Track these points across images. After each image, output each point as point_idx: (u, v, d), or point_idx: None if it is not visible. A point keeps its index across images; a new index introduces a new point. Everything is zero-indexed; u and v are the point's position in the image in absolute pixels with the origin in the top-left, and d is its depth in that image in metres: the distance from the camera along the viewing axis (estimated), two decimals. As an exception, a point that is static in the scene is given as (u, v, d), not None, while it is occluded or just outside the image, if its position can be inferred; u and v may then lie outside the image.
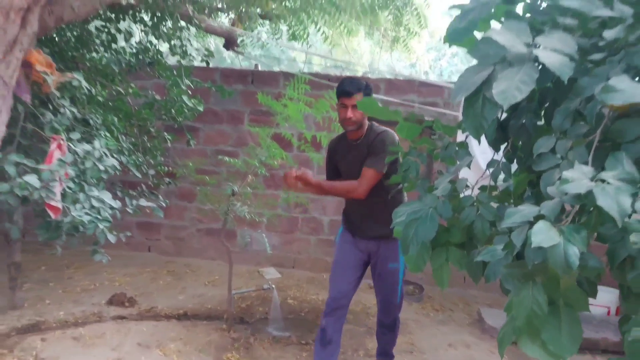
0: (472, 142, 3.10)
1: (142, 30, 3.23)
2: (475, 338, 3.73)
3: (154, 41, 3.20)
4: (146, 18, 3.10)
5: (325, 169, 2.93)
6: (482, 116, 1.15)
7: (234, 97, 5.02)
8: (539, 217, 0.94)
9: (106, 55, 3.36)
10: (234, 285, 3.70)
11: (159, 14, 2.96)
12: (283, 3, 3.88)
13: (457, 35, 1.33)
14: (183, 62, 3.57)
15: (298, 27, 4.39)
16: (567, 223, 0.95)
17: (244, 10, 3.72)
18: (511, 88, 1.01)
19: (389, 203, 2.49)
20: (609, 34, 1.06)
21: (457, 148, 1.59)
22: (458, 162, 1.57)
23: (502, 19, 1.34)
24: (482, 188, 1.50)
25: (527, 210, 0.97)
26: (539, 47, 1.06)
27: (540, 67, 1.07)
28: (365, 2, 4.45)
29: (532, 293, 1.03)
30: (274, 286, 3.80)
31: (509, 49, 1.06)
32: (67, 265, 4.75)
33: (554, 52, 1.03)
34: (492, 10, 1.29)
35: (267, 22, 4.48)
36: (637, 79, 1.03)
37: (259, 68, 5.12)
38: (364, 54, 7.58)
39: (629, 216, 0.87)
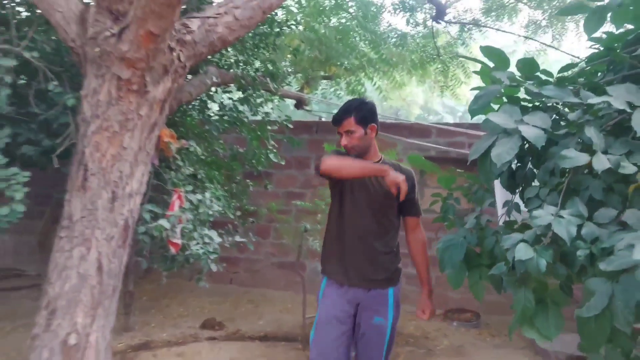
0: (497, 186, 3.54)
1: (230, 99, 3.99)
2: (528, 359, 4.04)
3: (240, 107, 3.93)
4: (236, 93, 3.88)
5: (335, 154, 2.44)
6: (490, 170, 1.69)
7: (302, 144, 5.71)
8: (522, 241, 1.44)
9: (196, 116, 4.14)
10: (306, 312, 4.25)
11: (249, 89, 3.70)
12: (342, 66, 4.55)
13: (475, 111, 1.88)
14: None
15: (356, 84, 5.05)
16: (543, 244, 1.45)
17: (310, 75, 4.43)
18: (503, 152, 1.54)
19: (395, 246, 2.40)
20: (572, 116, 1.57)
21: (482, 192, 2.11)
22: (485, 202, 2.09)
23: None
24: (506, 223, 2.00)
25: (515, 236, 1.48)
26: (524, 123, 1.59)
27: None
28: (415, 58, 5.04)
29: (524, 294, 1.52)
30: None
31: (503, 126, 1.59)
32: (163, 296, 5.49)
33: (534, 127, 1.55)
34: (501, 91, 1.84)
35: (329, 81, 5.17)
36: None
37: (322, 119, 5.80)
38: (418, 98, 8.14)
39: (577, 240, 1.36)
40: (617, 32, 1.74)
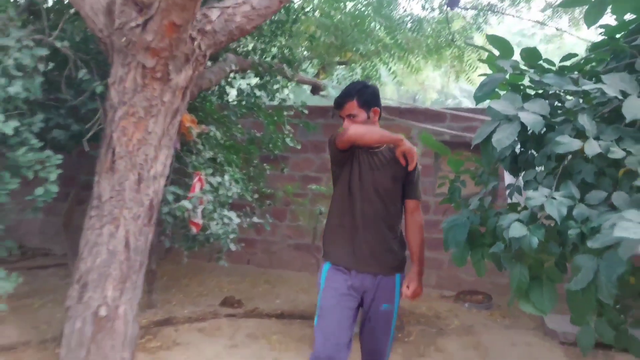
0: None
1: (248, 85, 4.12)
2: (537, 339, 4.14)
3: (257, 93, 4.06)
4: (254, 79, 4.01)
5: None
6: (491, 154, 1.80)
7: (318, 128, 5.83)
8: (517, 220, 1.55)
9: (215, 101, 4.28)
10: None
11: (266, 76, 3.83)
12: (358, 52, 4.63)
13: (480, 98, 1.97)
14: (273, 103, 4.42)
15: (371, 69, 5.13)
16: (537, 224, 1.56)
17: (326, 61, 4.53)
18: (503, 137, 1.64)
19: (400, 232, 2.38)
20: (568, 103, 1.66)
21: (487, 175, 2.21)
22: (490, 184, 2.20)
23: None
24: (510, 205, 2.10)
25: (511, 216, 1.59)
26: (524, 110, 1.68)
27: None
28: (430, 43, 5.09)
29: (520, 270, 1.64)
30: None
31: (504, 112, 1.69)
32: (183, 276, 5.71)
33: (533, 114, 1.65)
34: (506, 78, 1.93)
35: (344, 67, 5.25)
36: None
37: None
38: (435, 82, 8.16)
39: (569, 220, 1.47)
40: (617, 23, 1.81)
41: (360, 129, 2.19)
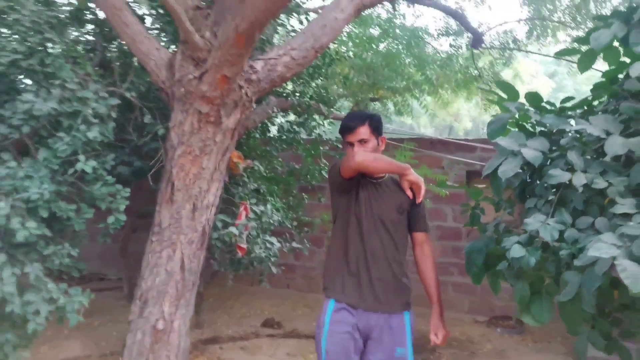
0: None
1: (288, 122, 4.52)
2: (568, 363, 4.24)
3: (297, 129, 4.45)
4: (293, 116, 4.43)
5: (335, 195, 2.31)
6: (499, 184, 2.06)
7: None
8: (517, 243, 1.81)
9: (258, 136, 4.69)
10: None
11: (305, 115, 4.23)
12: (389, 89, 4.97)
13: (491, 135, 2.25)
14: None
15: (403, 104, 5.45)
16: (535, 246, 1.81)
17: (359, 98, 4.89)
18: (507, 170, 1.92)
19: (406, 266, 2.26)
20: (563, 141, 1.93)
21: (503, 202, 2.47)
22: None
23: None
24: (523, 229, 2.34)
25: (512, 239, 1.85)
26: (526, 147, 1.96)
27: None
28: (460, 79, 5.38)
29: (522, 286, 1.88)
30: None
31: (508, 148, 1.97)
32: (228, 298, 6.07)
33: (534, 150, 1.92)
34: (515, 116, 2.20)
35: (377, 103, 5.59)
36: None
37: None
38: (471, 111, 8.39)
39: (560, 241, 1.72)
40: (609, 68, 2.07)
41: (368, 155, 2.11)
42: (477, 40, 4.01)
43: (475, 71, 5.19)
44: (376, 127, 2.23)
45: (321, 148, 4.57)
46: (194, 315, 4.92)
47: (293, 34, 4.11)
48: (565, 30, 5.09)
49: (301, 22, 4.11)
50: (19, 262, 2.64)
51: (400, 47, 5.14)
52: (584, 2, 4.36)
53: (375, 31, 5.16)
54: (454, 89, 5.40)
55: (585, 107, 2.17)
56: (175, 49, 3.07)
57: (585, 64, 2.04)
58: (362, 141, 2.18)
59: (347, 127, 2.21)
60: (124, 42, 3.27)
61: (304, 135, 4.62)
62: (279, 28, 4.07)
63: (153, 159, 3.31)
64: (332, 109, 4.36)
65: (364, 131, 2.18)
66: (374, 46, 5.00)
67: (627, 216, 1.55)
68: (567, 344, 4.76)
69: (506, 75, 6.31)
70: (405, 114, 5.61)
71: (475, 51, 4.65)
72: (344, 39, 4.96)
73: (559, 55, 2.19)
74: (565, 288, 1.65)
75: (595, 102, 2.25)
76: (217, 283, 6.19)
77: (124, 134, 3.49)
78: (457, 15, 3.93)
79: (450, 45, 5.03)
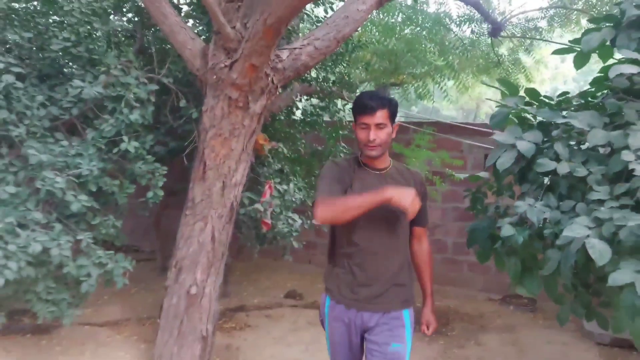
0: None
1: (311, 105, 4.77)
2: (575, 339, 4.44)
3: (320, 112, 4.70)
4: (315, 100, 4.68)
5: (328, 188, 2.03)
6: (499, 172, 2.29)
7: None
8: (508, 223, 2.05)
9: (283, 119, 4.95)
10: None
11: (326, 100, 4.47)
12: (410, 74, 5.14)
13: (495, 125, 2.47)
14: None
15: (423, 89, 5.62)
16: (525, 226, 2.04)
17: (381, 82, 5.08)
18: (505, 161, 2.14)
19: (408, 260, 2.22)
20: (554, 132, 2.13)
21: (505, 187, 2.68)
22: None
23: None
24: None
25: (506, 220, 2.08)
26: (522, 139, 2.17)
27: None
28: (480, 64, 5.52)
29: (514, 262, 2.12)
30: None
31: (505, 142, 2.19)
32: (252, 272, 6.44)
33: (528, 142, 2.14)
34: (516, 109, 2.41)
35: (397, 87, 5.77)
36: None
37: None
38: (494, 95, 8.46)
39: (544, 223, 1.95)
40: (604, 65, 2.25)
41: (335, 208, 1.92)
42: (496, 29, 4.14)
43: (496, 58, 5.31)
44: (394, 113, 2.08)
45: (340, 132, 4.80)
46: (222, 285, 5.29)
47: (318, 23, 4.32)
48: (588, 17, 5.15)
49: (326, 12, 4.31)
50: (71, 231, 3.00)
51: (423, 32, 5.29)
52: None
53: (398, 18, 5.32)
54: (475, 74, 5.53)
55: (582, 101, 2.37)
56: (206, 37, 3.34)
57: (580, 62, 2.23)
58: (380, 125, 2.02)
59: (366, 106, 2.01)
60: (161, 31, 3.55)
61: (326, 118, 4.86)
62: (304, 17, 4.28)
63: (187, 140, 3.62)
64: (353, 94, 4.57)
65: (383, 115, 2.02)
66: (396, 33, 5.16)
67: (601, 202, 1.76)
68: (576, 320, 4.94)
69: (529, 61, 6.39)
70: (426, 99, 5.78)
71: (495, 39, 4.77)
72: (368, 26, 5.14)
73: (557, 53, 2.36)
74: (548, 264, 1.89)
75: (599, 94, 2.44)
76: (243, 258, 6.56)
77: (161, 117, 3.81)
78: (476, 5, 4.07)
79: (472, 32, 5.15)
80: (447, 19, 5.20)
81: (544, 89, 10.92)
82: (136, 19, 3.97)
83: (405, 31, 5.39)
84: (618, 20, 2.05)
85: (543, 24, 5.26)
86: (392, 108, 2.07)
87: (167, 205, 5.92)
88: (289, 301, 5.23)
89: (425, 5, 5.28)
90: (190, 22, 4.12)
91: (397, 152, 4.92)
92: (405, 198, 1.85)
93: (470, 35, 5.35)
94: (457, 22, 5.27)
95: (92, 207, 3.06)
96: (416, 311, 2.20)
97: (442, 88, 5.69)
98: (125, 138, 3.09)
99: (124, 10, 3.92)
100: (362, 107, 2.04)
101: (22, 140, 3.06)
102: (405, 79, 5.19)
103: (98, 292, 4.85)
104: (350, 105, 5.47)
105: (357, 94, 2.22)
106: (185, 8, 4.13)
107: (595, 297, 2.05)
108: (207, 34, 3.90)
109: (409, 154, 4.82)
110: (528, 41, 5.37)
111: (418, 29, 5.27)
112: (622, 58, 2.02)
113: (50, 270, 2.92)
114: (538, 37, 5.17)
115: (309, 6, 4.36)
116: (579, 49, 2.20)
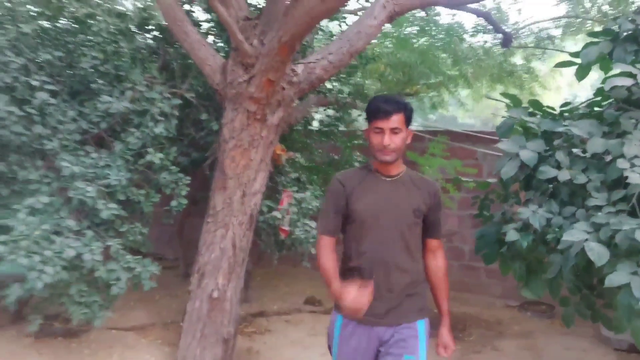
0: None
1: (328, 116, 4.92)
2: (593, 345, 4.45)
3: (335, 123, 4.84)
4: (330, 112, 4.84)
5: (324, 215, 2.12)
6: (504, 180, 2.39)
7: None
8: (513, 229, 2.15)
9: (301, 128, 5.10)
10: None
11: (341, 110, 4.62)
12: (425, 84, 5.25)
13: (502, 135, 2.57)
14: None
15: (437, 99, 5.72)
16: (529, 231, 2.14)
17: (395, 92, 5.20)
18: (508, 170, 2.25)
19: (423, 272, 2.14)
20: (556, 142, 2.23)
21: (507, 194, 2.78)
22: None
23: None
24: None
25: (511, 225, 2.18)
26: (525, 148, 2.27)
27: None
28: (494, 74, 5.59)
29: (519, 266, 2.22)
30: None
31: (508, 151, 2.30)
32: (272, 279, 6.59)
33: (531, 151, 2.24)
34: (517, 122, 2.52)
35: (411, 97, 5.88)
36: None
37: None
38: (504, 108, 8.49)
39: (548, 227, 2.04)
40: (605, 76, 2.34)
41: (319, 257, 2.05)
42: (507, 40, 4.23)
43: (509, 67, 5.39)
44: (409, 118, 2.02)
45: (355, 142, 4.93)
46: (243, 291, 5.44)
47: (332, 38, 4.48)
48: (602, 25, 5.20)
49: (340, 26, 4.47)
50: (101, 237, 3.19)
51: (436, 44, 5.40)
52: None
53: (411, 29, 5.44)
54: (489, 83, 5.61)
55: (585, 111, 2.45)
56: (225, 53, 3.52)
57: (581, 74, 2.33)
58: (394, 130, 1.95)
59: (381, 110, 1.94)
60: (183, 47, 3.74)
61: (342, 128, 5.00)
62: (319, 32, 4.45)
63: (208, 151, 3.79)
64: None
65: (398, 119, 1.96)
66: (410, 44, 5.29)
67: (599, 208, 1.86)
68: (595, 327, 4.95)
69: (544, 68, 6.43)
70: (440, 108, 5.88)
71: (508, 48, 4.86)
72: (381, 38, 5.27)
73: (559, 66, 2.46)
74: (551, 267, 1.98)
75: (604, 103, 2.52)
76: (263, 265, 6.71)
77: (184, 129, 4.00)
78: (487, 16, 4.16)
79: (485, 42, 5.25)
80: (459, 30, 5.30)
81: (562, 97, 10.87)
82: (160, 36, 4.18)
83: (419, 43, 5.50)
84: (616, 34, 2.15)
85: (556, 32, 5.33)
86: (407, 112, 2.00)
87: (190, 214, 6.12)
88: (307, 307, 5.35)
89: (438, 17, 5.39)
90: (210, 38, 4.31)
91: (411, 160, 5.02)
92: (345, 296, 1.81)
93: (484, 45, 5.43)
94: (470, 33, 5.36)
95: (121, 215, 3.24)
96: (434, 317, 2.14)
97: (456, 98, 5.78)
98: (150, 150, 3.27)
99: (148, 28, 4.13)
100: (377, 110, 1.97)
101: (56, 153, 3.27)
102: (419, 89, 5.31)
103: (125, 298, 5.04)
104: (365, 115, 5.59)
105: (371, 98, 2.16)
106: (205, 25, 4.33)
107: (600, 299, 2.13)
108: (227, 50, 4.09)
109: (423, 162, 4.91)
110: (540, 51, 5.43)
111: (431, 40, 5.38)
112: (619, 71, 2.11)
113: (82, 274, 3.10)
114: (551, 46, 5.23)
115: (323, 21, 4.52)
116: (579, 62, 2.30)
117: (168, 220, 3.63)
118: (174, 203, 3.42)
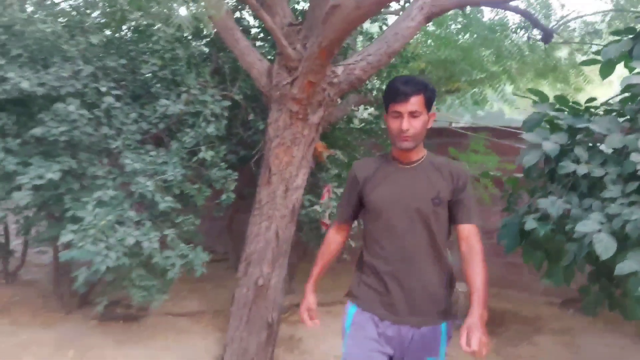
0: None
1: (369, 114, 5.11)
2: (633, 343, 4.42)
3: (376, 121, 5.03)
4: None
5: (341, 202, 2.15)
6: (529, 169, 2.50)
7: (432, 148, 6.57)
8: (532, 219, 2.28)
9: (341, 127, 5.31)
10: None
11: (380, 109, 4.79)
12: (466, 81, 5.33)
13: (528, 129, 2.68)
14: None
15: (480, 96, 5.78)
16: (548, 221, 2.26)
17: (437, 90, 5.31)
18: (530, 159, 2.37)
19: (450, 268, 1.99)
20: (578, 136, 2.33)
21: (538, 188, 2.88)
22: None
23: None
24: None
25: (531, 216, 2.31)
26: (548, 140, 2.39)
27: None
28: (537, 69, 5.59)
29: (539, 255, 2.34)
30: (459, 289, 5.13)
31: (532, 141, 2.41)
32: (317, 271, 6.83)
33: (554, 143, 2.35)
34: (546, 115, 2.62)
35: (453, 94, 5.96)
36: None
37: (451, 125, 6.61)
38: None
39: (565, 218, 2.16)
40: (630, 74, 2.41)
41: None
42: (547, 36, 4.26)
43: (553, 62, 5.38)
44: (430, 100, 1.86)
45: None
46: (287, 282, 5.72)
47: (372, 40, 4.65)
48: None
49: (380, 28, 4.64)
50: (159, 227, 3.53)
51: (477, 40, 5.46)
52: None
53: (454, 26, 5.53)
54: (534, 78, 5.62)
55: (608, 107, 2.53)
56: (271, 57, 3.78)
57: (604, 72, 2.41)
58: (414, 114, 1.81)
59: (399, 92, 1.80)
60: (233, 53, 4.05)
61: (383, 126, 5.17)
62: (360, 34, 4.65)
63: (254, 149, 4.08)
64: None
65: (419, 101, 1.80)
66: (452, 42, 5.38)
67: (613, 200, 1.97)
68: (638, 325, 4.89)
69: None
70: (484, 104, 5.92)
71: (550, 43, 4.86)
72: (422, 37, 5.40)
73: (584, 64, 2.54)
74: (566, 256, 2.11)
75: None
76: (307, 260, 6.95)
77: (233, 129, 4.31)
78: (526, 13, 4.22)
79: (528, 38, 5.25)
80: (502, 26, 5.33)
81: (612, 90, 10.51)
82: (212, 43, 4.51)
83: (461, 40, 5.58)
84: (638, 33, 2.23)
85: (602, 27, 5.25)
86: (427, 94, 1.84)
87: (238, 209, 6.46)
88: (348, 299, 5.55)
89: (480, 15, 5.44)
90: (259, 43, 4.60)
91: (453, 156, 5.12)
92: (303, 307, 1.99)
93: (528, 40, 5.44)
94: (513, 29, 5.38)
95: (176, 207, 3.57)
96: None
97: (499, 93, 5.82)
98: (202, 148, 3.59)
99: (202, 36, 4.47)
100: (395, 93, 1.82)
101: (120, 151, 3.65)
102: (460, 86, 5.38)
103: (179, 287, 5.45)
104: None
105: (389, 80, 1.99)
106: (253, 31, 4.62)
107: (619, 288, 2.22)
108: (273, 53, 4.36)
109: (464, 159, 5.01)
110: (585, 46, 5.37)
111: (474, 36, 5.45)
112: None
113: (141, 261, 3.45)
114: (597, 40, 5.17)
115: (366, 24, 4.72)
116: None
117: (218, 213, 3.94)
118: (223, 197, 3.73)
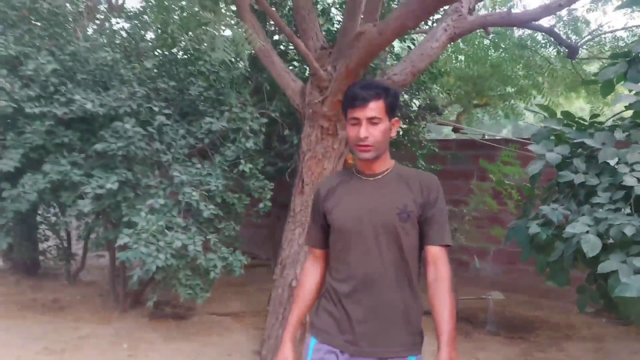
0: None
1: (400, 128, 5.38)
2: (664, 353, 4.45)
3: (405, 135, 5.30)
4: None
5: (309, 226, 1.92)
6: (534, 177, 2.72)
7: (465, 160, 6.76)
8: (536, 224, 2.50)
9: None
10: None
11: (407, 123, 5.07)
12: (495, 95, 5.51)
13: (537, 141, 2.90)
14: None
15: (509, 109, 5.93)
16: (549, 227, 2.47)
17: (465, 105, 5.52)
18: (535, 168, 2.60)
19: (419, 293, 1.72)
20: (579, 150, 2.54)
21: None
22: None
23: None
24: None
25: (535, 221, 2.53)
26: (552, 152, 2.61)
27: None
28: (567, 83, 5.71)
29: (543, 256, 2.55)
30: (490, 296, 5.28)
31: (538, 152, 2.64)
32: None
33: (557, 154, 2.57)
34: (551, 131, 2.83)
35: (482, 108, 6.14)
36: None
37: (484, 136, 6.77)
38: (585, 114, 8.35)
39: (566, 221, 2.37)
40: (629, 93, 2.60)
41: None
42: (573, 52, 4.41)
43: (581, 77, 5.48)
44: (392, 105, 1.69)
45: (419, 152, 5.30)
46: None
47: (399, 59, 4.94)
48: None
49: (409, 47, 4.92)
50: (203, 232, 3.93)
51: (507, 56, 5.65)
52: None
53: (483, 42, 5.74)
54: (564, 92, 5.73)
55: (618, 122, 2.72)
56: (305, 76, 4.14)
57: (605, 91, 2.61)
58: (373, 120, 1.64)
59: (357, 97, 1.64)
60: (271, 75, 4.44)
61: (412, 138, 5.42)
62: (389, 55, 4.94)
63: (290, 161, 4.44)
64: (436, 118, 5.10)
65: (377, 107, 1.64)
66: (481, 58, 5.59)
67: (601, 205, 2.18)
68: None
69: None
70: (513, 117, 6.06)
71: (581, 57, 5.00)
72: (451, 55, 5.63)
73: (585, 84, 2.74)
74: (554, 252, 2.32)
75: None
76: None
77: (270, 142, 4.70)
78: (550, 32, 4.39)
79: (558, 53, 5.40)
80: (530, 42, 5.50)
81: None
82: (252, 65, 4.92)
83: (491, 56, 5.78)
84: (634, 56, 2.42)
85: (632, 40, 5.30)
86: (389, 99, 1.67)
87: (280, 218, 6.83)
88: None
89: (509, 32, 5.62)
90: (295, 63, 4.98)
91: (483, 167, 5.31)
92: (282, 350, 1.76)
93: (558, 55, 5.57)
94: (542, 44, 5.53)
95: (218, 214, 3.96)
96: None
97: (529, 108, 5.96)
98: (242, 161, 3.97)
99: (243, 59, 4.89)
100: (352, 98, 1.66)
101: (169, 164, 4.09)
102: (489, 101, 5.56)
103: (223, 289, 5.85)
104: (433, 127, 5.99)
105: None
106: (289, 53, 5.01)
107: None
108: (306, 73, 4.72)
109: (494, 170, 5.19)
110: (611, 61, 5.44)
111: (504, 53, 5.64)
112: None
113: (187, 262, 3.85)
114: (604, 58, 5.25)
115: (396, 43, 5.02)
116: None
117: (257, 220, 4.30)
118: (261, 205, 4.09)
